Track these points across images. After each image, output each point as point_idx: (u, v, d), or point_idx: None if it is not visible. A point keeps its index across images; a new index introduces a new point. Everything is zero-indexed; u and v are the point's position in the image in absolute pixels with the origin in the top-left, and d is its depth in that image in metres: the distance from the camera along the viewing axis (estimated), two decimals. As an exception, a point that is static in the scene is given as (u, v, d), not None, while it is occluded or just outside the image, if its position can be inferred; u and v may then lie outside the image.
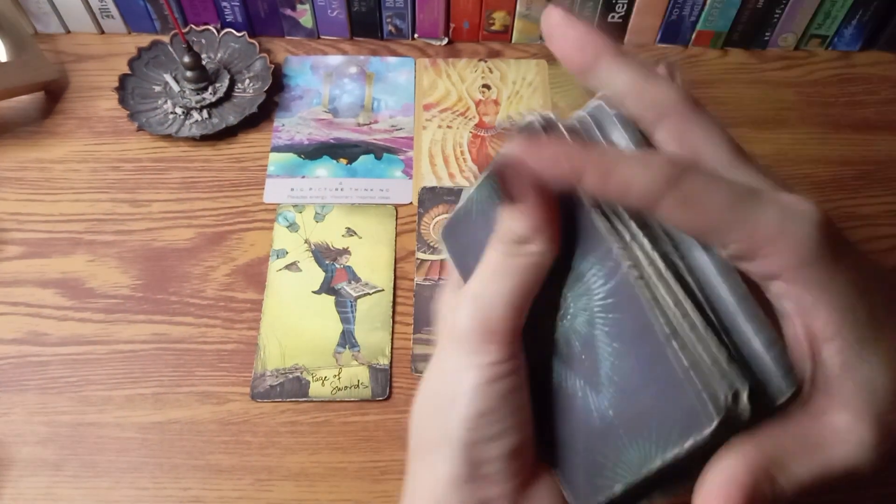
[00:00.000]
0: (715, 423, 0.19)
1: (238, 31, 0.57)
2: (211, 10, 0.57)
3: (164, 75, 0.54)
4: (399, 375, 0.43)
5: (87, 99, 0.54)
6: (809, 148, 0.54)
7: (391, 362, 0.44)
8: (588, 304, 0.23)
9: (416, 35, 0.59)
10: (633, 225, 0.22)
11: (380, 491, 0.40)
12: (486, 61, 0.58)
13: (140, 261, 0.47)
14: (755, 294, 0.21)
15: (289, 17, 0.57)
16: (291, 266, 0.47)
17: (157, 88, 0.54)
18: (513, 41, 0.59)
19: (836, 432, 0.19)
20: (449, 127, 0.54)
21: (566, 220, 0.24)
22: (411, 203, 0.50)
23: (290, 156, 0.52)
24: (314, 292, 0.46)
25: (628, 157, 0.21)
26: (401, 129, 0.54)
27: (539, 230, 0.23)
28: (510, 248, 0.24)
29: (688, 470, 0.21)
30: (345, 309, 0.45)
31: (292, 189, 0.50)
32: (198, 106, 0.53)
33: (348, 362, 0.43)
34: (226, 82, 0.54)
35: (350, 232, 0.48)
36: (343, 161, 0.52)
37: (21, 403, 0.42)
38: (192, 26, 0.57)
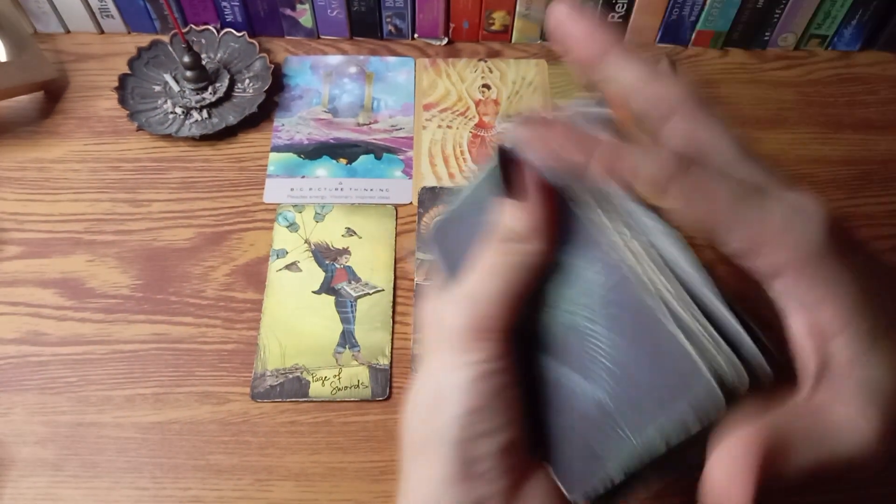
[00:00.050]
0: (718, 398, 0.19)
1: (238, 30, 0.57)
2: (211, 9, 0.57)
3: (164, 75, 0.54)
4: (399, 375, 0.43)
5: (87, 99, 0.54)
6: (809, 148, 0.54)
7: (391, 362, 0.44)
8: (575, 293, 0.24)
9: (415, 35, 0.59)
10: (614, 218, 0.22)
11: (380, 491, 0.40)
12: (485, 61, 0.58)
13: (140, 261, 0.47)
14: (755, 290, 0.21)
15: (289, 16, 0.57)
16: (291, 266, 0.47)
17: (157, 88, 0.54)
18: (513, 41, 0.59)
19: (842, 425, 0.19)
20: (449, 127, 0.54)
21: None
22: (411, 203, 0.50)
23: (290, 156, 0.52)
24: (314, 292, 0.46)
25: (637, 146, 0.21)
26: (401, 128, 0.54)
27: (538, 229, 0.23)
28: (508, 246, 0.24)
29: (684, 451, 0.21)
30: (345, 309, 0.45)
31: (292, 189, 0.50)
32: (198, 106, 0.53)
33: (348, 362, 0.43)
34: (226, 82, 0.54)
35: (350, 232, 0.48)
36: (343, 161, 0.52)
37: (21, 403, 0.42)
38: (192, 26, 0.57)
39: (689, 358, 0.20)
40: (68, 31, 0.58)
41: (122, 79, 0.54)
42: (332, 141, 0.53)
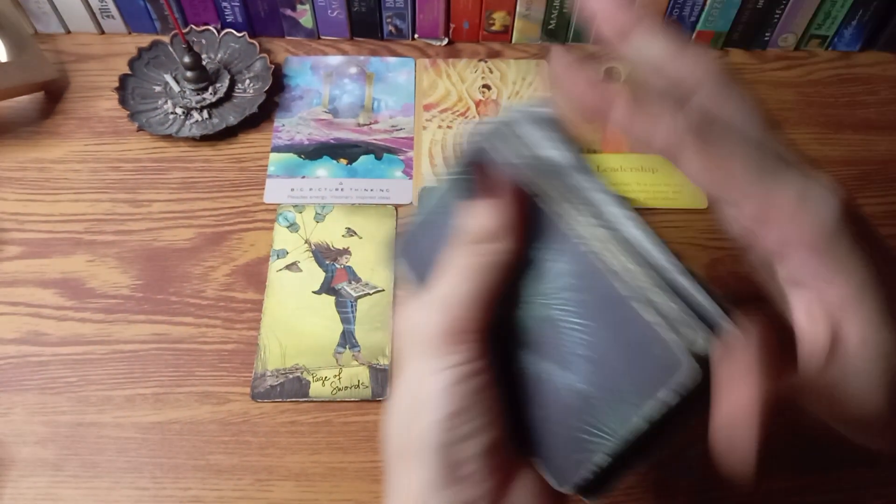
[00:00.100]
0: (692, 369, 0.20)
1: (238, 31, 0.57)
2: (211, 10, 0.57)
3: (165, 75, 0.54)
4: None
5: (87, 99, 0.54)
6: (809, 148, 0.54)
7: (392, 362, 0.44)
8: (543, 286, 0.24)
9: (416, 35, 0.59)
10: (574, 207, 0.23)
11: (380, 491, 0.40)
12: (486, 61, 0.58)
13: (140, 261, 0.47)
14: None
15: (289, 17, 0.57)
16: (292, 266, 0.47)
17: (158, 88, 0.54)
18: (513, 41, 0.59)
19: (852, 399, 0.20)
20: (449, 127, 0.54)
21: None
22: (411, 203, 0.50)
23: (291, 156, 0.52)
24: (314, 292, 0.46)
25: (655, 98, 0.21)
26: (401, 129, 0.54)
27: (503, 228, 0.24)
28: (477, 247, 0.24)
29: (665, 426, 0.22)
30: (345, 309, 0.45)
31: (292, 189, 0.50)
32: (198, 106, 0.53)
33: (349, 362, 0.43)
34: (226, 82, 0.54)
35: (350, 232, 0.48)
36: (343, 161, 0.52)
37: (21, 403, 0.42)
38: (193, 26, 0.57)
39: (660, 333, 0.21)
40: (69, 32, 0.58)
41: (123, 79, 0.54)
42: (332, 141, 0.53)
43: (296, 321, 0.45)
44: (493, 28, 0.58)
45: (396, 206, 0.50)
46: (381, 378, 0.43)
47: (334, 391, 0.42)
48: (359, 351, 0.44)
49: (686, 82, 0.22)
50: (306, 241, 0.48)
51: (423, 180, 0.51)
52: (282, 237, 0.48)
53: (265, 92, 0.54)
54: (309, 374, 0.43)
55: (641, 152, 0.22)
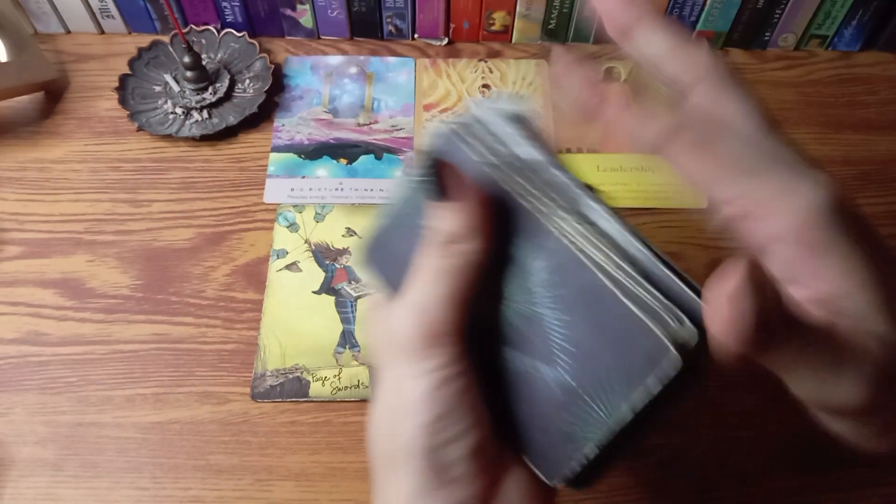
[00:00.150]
0: (673, 357, 0.20)
1: (238, 31, 0.57)
2: (211, 10, 0.57)
3: (165, 75, 0.54)
4: (399, 375, 0.43)
5: (87, 99, 0.54)
6: (809, 148, 0.54)
7: (391, 362, 0.43)
8: (524, 282, 0.24)
9: (416, 35, 0.59)
10: (551, 202, 0.24)
11: (380, 491, 0.40)
12: (486, 61, 0.58)
13: (140, 261, 0.47)
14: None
15: (289, 17, 0.57)
16: (292, 266, 0.47)
17: (158, 88, 0.54)
18: (513, 41, 0.59)
19: (846, 388, 0.20)
20: (449, 127, 0.54)
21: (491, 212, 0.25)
22: (411, 203, 0.50)
23: (291, 156, 0.52)
24: (314, 292, 0.46)
25: (655, 98, 0.22)
26: (401, 129, 0.54)
27: (472, 228, 0.24)
28: (446, 249, 0.24)
29: (649, 413, 0.22)
30: (345, 309, 0.45)
31: (292, 189, 0.50)
32: (198, 106, 0.53)
33: (348, 362, 0.43)
34: (226, 82, 0.54)
35: (350, 232, 0.48)
36: (343, 161, 0.52)
37: (21, 403, 0.42)
38: (192, 26, 0.57)
39: (645, 322, 0.21)
40: (69, 32, 0.58)
41: (123, 79, 0.54)
42: (332, 141, 0.53)
43: (296, 321, 0.45)
44: (493, 28, 0.58)
45: (396, 206, 0.50)
46: (381, 378, 0.43)
47: (334, 391, 0.42)
48: (359, 351, 0.44)
49: (685, 78, 0.23)
50: (306, 241, 0.48)
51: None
52: (282, 237, 0.48)
53: (265, 92, 0.54)
54: (309, 374, 0.43)
55: (636, 151, 0.22)
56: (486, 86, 0.56)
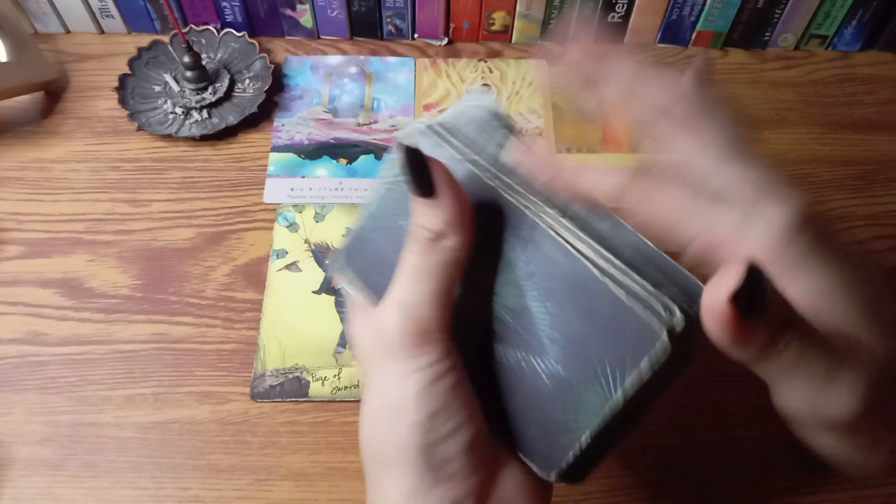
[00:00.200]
0: (664, 338, 0.21)
1: (238, 31, 0.57)
2: (211, 10, 0.57)
3: (164, 75, 0.54)
4: (399, 375, 0.43)
5: (87, 99, 0.54)
6: (809, 148, 0.54)
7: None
8: (511, 277, 0.25)
9: (415, 35, 0.59)
10: (535, 198, 0.24)
11: (380, 491, 0.39)
12: (486, 61, 0.58)
13: (140, 261, 0.47)
14: None
15: (289, 17, 0.57)
16: (291, 266, 0.47)
17: (157, 88, 0.54)
18: (513, 41, 0.59)
19: (839, 397, 0.20)
20: (449, 127, 0.54)
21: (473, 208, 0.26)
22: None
23: (290, 156, 0.52)
24: (314, 292, 0.46)
25: (596, 164, 0.23)
26: (401, 129, 0.54)
27: (453, 223, 0.24)
28: (427, 246, 0.24)
29: (640, 398, 0.22)
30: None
31: (292, 189, 0.50)
32: (198, 106, 0.53)
33: (348, 362, 0.43)
34: (226, 82, 0.54)
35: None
36: (343, 161, 0.52)
37: (21, 403, 0.42)
38: (192, 26, 0.57)
39: (628, 309, 0.21)
40: (68, 32, 0.58)
41: (123, 79, 0.54)
42: (332, 141, 0.53)
43: (296, 321, 0.45)
44: (493, 28, 0.58)
45: (396, 206, 0.50)
46: (381, 378, 0.43)
47: (334, 391, 0.42)
48: (358, 351, 0.44)
49: (651, 111, 0.24)
50: (306, 241, 0.48)
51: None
52: (281, 237, 0.48)
53: (265, 92, 0.54)
54: (308, 373, 0.43)
55: (600, 202, 0.23)
56: (486, 86, 0.56)
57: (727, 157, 0.22)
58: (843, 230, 0.50)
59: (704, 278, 0.21)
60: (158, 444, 0.40)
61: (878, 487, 0.40)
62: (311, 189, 0.50)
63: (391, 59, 0.58)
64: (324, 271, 0.47)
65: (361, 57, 0.58)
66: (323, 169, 0.51)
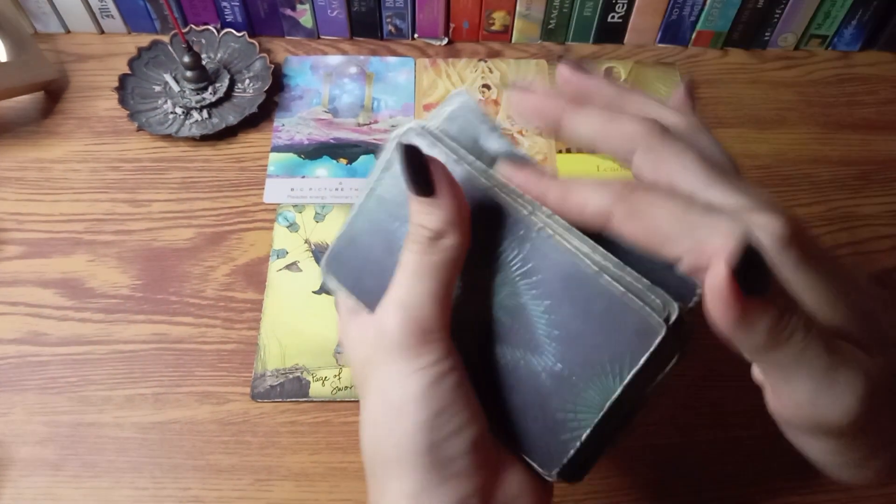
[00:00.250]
0: (663, 331, 0.21)
1: (238, 31, 0.57)
2: (211, 10, 0.57)
3: (164, 75, 0.54)
4: (399, 375, 0.43)
5: (87, 99, 0.54)
6: (809, 148, 0.54)
7: (391, 362, 0.43)
8: (507, 276, 0.25)
9: (416, 35, 0.59)
10: (528, 197, 0.24)
11: (380, 491, 0.39)
12: (486, 61, 0.58)
13: (140, 261, 0.47)
14: None
15: (289, 17, 0.57)
16: (291, 266, 0.47)
17: (157, 88, 0.54)
18: (513, 41, 0.59)
19: (839, 397, 0.20)
20: (449, 127, 0.54)
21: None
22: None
23: (290, 156, 0.52)
24: (314, 292, 0.46)
25: (585, 180, 0.23)
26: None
27: (453, 222, 0.24)
28: (426, 246, 0.24)
29: (638, 388, 0.23)
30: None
31: (292, 189, 0.50)
32: (198, 106, 0.53)
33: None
34: (226, 82, 0.54)
35: (350, 232, 0.48)
36: (343, 161, 0.52)
37: (21, 403, 0.42)
38: (192, 26, 0.57)
39: (624, 302, 0.22)
40: (68, 32, 0.58)
41: (123, 79, 0.54)
42: (332, 141, 0.53)
43: (296, 321, 0.45)
44: (493, 28, 0.58)
45: (396, 206, 0.50)
46: (381, 378, 0.43)
47: (334, 391, 0.42)
48: (359, 351, 0.44)
49: (623, 146, 0.24)
50: (306, 241, 0.48)
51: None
52: (282, 237, 0.48)
53: (265, 92, 0.54)
54: (309, 374, 0.43)
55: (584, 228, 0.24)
56: (486, 86, 0.56)
57: (713, 180, 0.22)
58: (844, 230, 0.50)
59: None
60: (159, 444, 0.40)
61: (879, 488, 0.40)
62: (311, 189, 0.50)
63: (391, 59, 0.58)
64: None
65: (361, 57, 0.58)
66: (323, 169, 0.51)
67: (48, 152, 0.52)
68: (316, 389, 0.42)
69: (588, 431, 0.23)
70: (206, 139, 0.52)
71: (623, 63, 0.58)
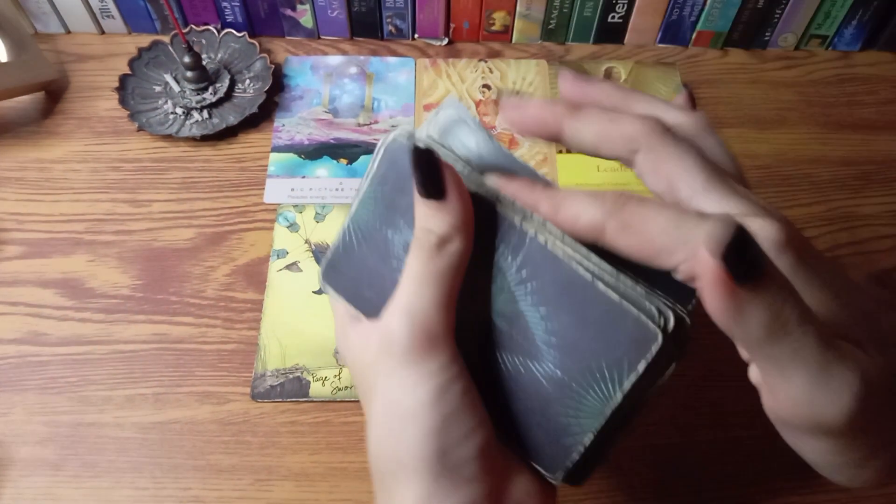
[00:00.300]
0: (660, 339, 0.21)
1: (238, 31, 0.57)
2: (211, 10, 0.57)
3: (165, 75, 0.54)
4: (399, 375, 0.43)
5: (87, 99, 0.54)
6: (809, 148, 0.54)
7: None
8: (504, 283, 0.25)
9: (416, 35, 0.59)
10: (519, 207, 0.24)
11: (380, 491, 0.40)
12: (486, 61, 0.58)
13: (140, 261, 0.47)
14: None
15: (289, 17, 0.57)
16: (292, 266, 0.47)
17: (158, 88, 0.54)
18: (513, 41, 0.59)
19: (835, 394, 0.20)
20: (449, 127, 0.54)
21: None
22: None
23: (291, 156, 0.52)
24: (314, 292, 0.46)
25: (577, 192, 0.23)
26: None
27: (459, 227, 0.24)
28: (432, 252, 0.24)
29: (638, 392, 0.23)
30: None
31: (292, 189, 0.50)
32: (198, 106, 0.53)
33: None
34: (226, 82, 0.54)
35: (350, 232, 0.48)
36: (343, 161, 0.52)
37: (21, 403, 0.42)
38: (193, 26, 0.57)
39: (621, 309, 0.22)
40: (69, 32, 0.58)
41: (123, 79, 0.54)
42: (332, 141, 0.53)
43: (296, 321, 0.45)
44: (493, 28, 0.58)
45: (396, 206, 0.50)
46: (381, 378, 0.43)
47: (334, 391, 0.42)
48: (359, 351, 0.44)
49: (624, 148, 0.24)
50: (306, 241, 0.48)
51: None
52: (282, 237, 0.48)
53: (265, 92, 0.54)
54: (309, 374, 0.43)
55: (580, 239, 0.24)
56: (486, 86, 0.56)
57: (711, 184, 0.22)
58: (844, 230, 0.50)
59: None
60: (159, 444, 0.40)
61: (879, 488, 0.40)
62: (311, 189, 0.50)
63: (391, 60, 0.58)
64: (324, 271, 0.47)
65: (362, 57, 0.58)
66: (323, 169, 0.51)
67: (48, 152, 0.52)
68: (316, 389, 0.42)
69: (590, 436, 0.24)
70: (206, 139, 0.52)
71: (623, 63, 0.58)
